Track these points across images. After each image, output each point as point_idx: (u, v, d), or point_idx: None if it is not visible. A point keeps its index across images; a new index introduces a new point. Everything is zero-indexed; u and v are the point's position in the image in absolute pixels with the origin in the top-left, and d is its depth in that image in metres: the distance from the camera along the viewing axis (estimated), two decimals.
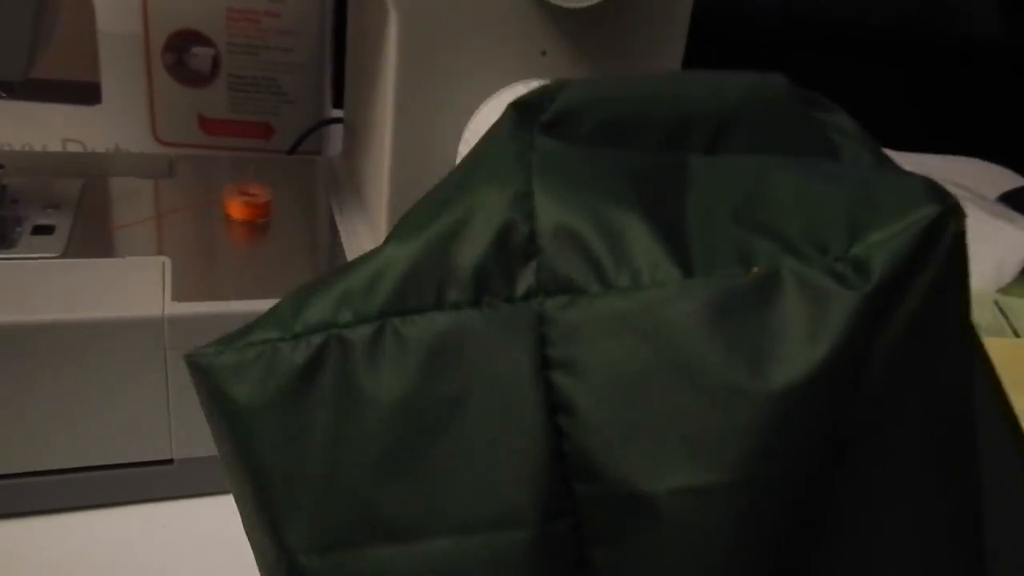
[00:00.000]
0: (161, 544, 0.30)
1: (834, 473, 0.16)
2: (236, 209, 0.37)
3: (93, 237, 0.34)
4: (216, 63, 0.49)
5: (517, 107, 0.20)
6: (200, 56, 0.49)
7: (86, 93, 0.49)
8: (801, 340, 0.16)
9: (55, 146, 0.49)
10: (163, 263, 0.32)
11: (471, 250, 0.18)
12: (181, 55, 0.48)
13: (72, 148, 0.50)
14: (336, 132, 0.53)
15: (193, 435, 0.32)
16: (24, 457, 0.30)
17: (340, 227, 0.39)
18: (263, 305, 0.31)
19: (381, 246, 0.19)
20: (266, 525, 0.19)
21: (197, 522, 0.32)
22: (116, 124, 0.49)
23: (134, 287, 0.31)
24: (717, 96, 0.20)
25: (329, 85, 0.52)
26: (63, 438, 0.30)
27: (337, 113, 0.52)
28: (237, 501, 0.21)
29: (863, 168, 0.19)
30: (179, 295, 0.30)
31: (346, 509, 0.17)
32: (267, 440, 0.18)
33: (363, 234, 0.38)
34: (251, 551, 0.30)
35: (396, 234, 0.19)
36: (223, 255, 0.35)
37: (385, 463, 0.17)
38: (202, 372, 0.20)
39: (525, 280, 0.17)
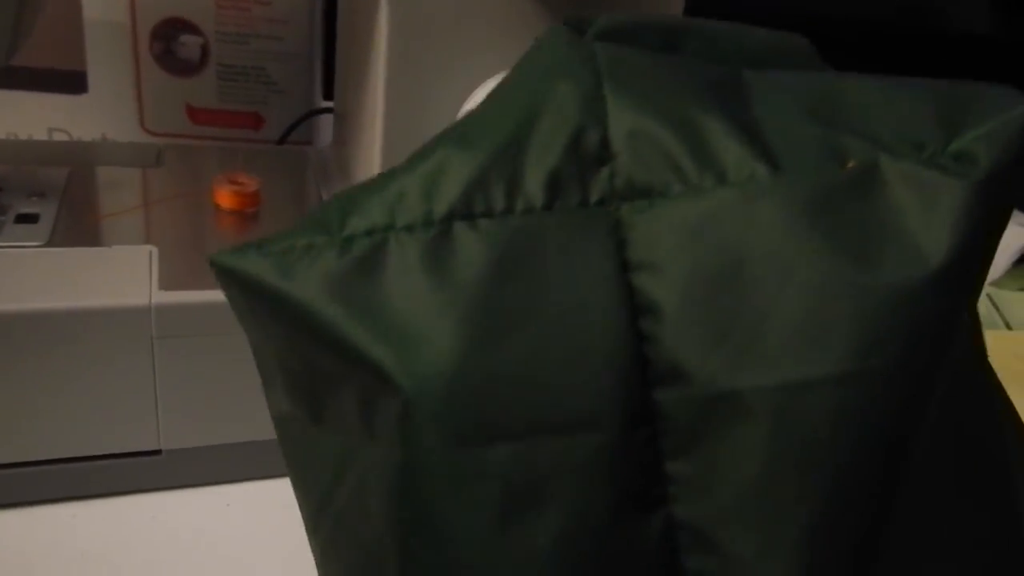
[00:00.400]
0: (149, 536, 0.30)
1: (935, 374, 0.15)
2: (225, 198, 0.36)
3: (78, 226, 0.34)
4: (205, 52, 0.48)
5: (566, 23, 0.19)
6: (188, 45, 0.48)
7: (72, 82, 0.48)
8: (912, 232, 0.15)
9: (40, 136, 0.49)
10: (150, 252, 0.32)
11: (542, 155, 0.17)
12: (169, 44, 0.48)
13: (58, 138, 0.49)
14: (326, 122, 0.53)
15: (181, 425, 0.31)
16: (9, 448, 0.29)
17: None
18: None
19: (430, 148, 0.18)
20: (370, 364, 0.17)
21: (185, 513, 0.31)
22: (103, 114, 0.49)
23: (120, 276, 0.30)
24: (742, 41, 0.20)
25: (319, 75, 0.52)
26: (49, 428, 0.30)
27: (327, 105, 0.52)
28: (286, 414, 0.20)
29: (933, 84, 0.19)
30: (166, 284, 0.30)
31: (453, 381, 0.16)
32: (328, 330, 0.17)
33: None
34: (238, 543, 0.30)
35: (452, 138, 0.18)
36: (211, 244, 0.34)
37: None
38: (241, 275, 0.18)
39: (599, 186, 0.17)
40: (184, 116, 0.50)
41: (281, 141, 0.51)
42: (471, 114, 0.19)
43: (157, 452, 0.31)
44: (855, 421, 0.15)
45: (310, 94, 0.52)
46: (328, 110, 0.51)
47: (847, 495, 0.15)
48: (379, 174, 0.19)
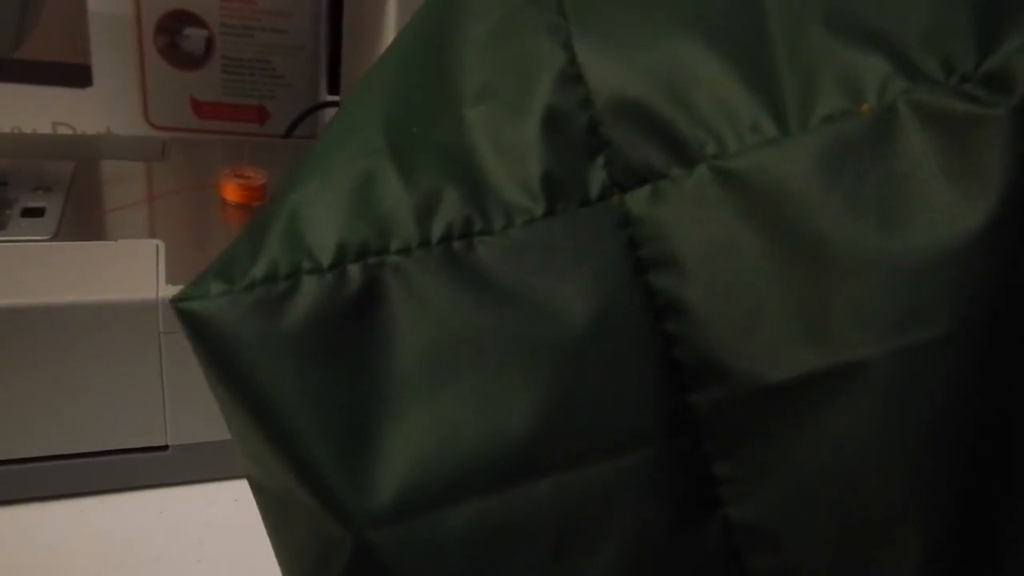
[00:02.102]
0: (156, 531, 0.30)
1: (1003, 340, 0.13)
2: (231, 192, 0.36)
3: (85, 220, 0.33)
4: (209, 45, 0.48)
5: None
6: (193, 38, 0.48)
7: (77, 75, 0.48)
8: (943, 185, 0.13)
9: (45, 130, 0.49)
10: (157, 246, 0.32)
11: (527, 157, 0.15)
12: (173, 37, 0.47)
13: (62, 132, 0.49)
14: (331, 116, 0.52)
15: (188, 421, 0.31)
16: (16, 443, 0.29)
17: None
18: None
19: (358, 168, 0.15)
20: (319, 497, 0.15)
21: (192, 509, 0.31)
22: (107, 108, 0.49)
23: (127, 270, 0.30)
24: None
25: (324, 69, 0.52)
26: (55, 424, 0.29)
27: (332, 99, 0.52)
28: (261, 483, 0.18)
29: None
30: (174, 278, 0.30)
31: (440, 456, 0.14)
32: (311, 389, 0.14)
33: None
34: (246, 538, 0.30)
35: (401, 158, 0.15)
36: (218, 238, 0.34)
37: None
38: (199, 321, 0.16)
39: (596, 178, 0.15)
40: (189, 110, 0.49)
41: (286, 135, 0.50)
42: (389, 108, 0.16)
43: (164, 448, 0.31)
44: (906, 404, 0.13)
45: (316, 88, 0.51)
46: (334, 104, 0.51)
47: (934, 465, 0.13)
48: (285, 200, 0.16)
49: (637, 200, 0.15)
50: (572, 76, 0.15)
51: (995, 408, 0.14)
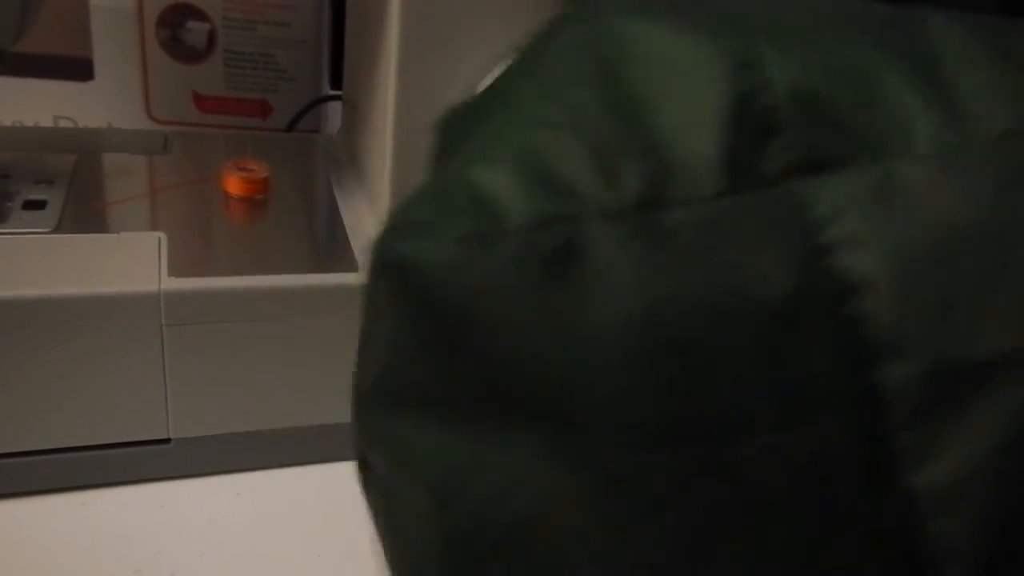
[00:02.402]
0: (158, 525, 0.30)
1: None
2: (234, 185, 0.36)
3: (86, 212, 0.33)
4: (212, 38, 0.48)
5: None
6: (195, 31, 0.48)
7: (78, 69, 0.48)
8: None
9: (46, 124, 0.48)
10: (159, 239, 0.32)
11: (710, 133, 0.15)
12: (175, 30, 0.47)
13: (64, 126, 0.49)
14: (334, 110, 0.52)
15: (191, 414, 0.31)
16: (17, 436, 0.29)
17: (340, 204, 0.38)
18: (262, 281, 0.30)
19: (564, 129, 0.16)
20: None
21: (194, 502, 0.31)
22: (109, 101, 0.48)
23: (129, 262, 0.30)
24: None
25: (327, 62, 0.51)
26: (57, 417, 0.29)
27: (336, 92, 0.52)
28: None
29: None
30: (176, 271, 0.30)
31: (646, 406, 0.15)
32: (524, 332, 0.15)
33: (364, 211, 0.37)
34: (249, 532, 0.30)
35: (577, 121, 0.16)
36: (220, 231, 0.34)
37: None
38: (409, 270, 0.16)
39: (774, 160, 0.15)
40: (191, 104, 0.49)
41: (289, 129, 0.50)
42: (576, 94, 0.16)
43: (166, 441, 0.31)
44: None
45: (318, 81, 0.51)
46: (336, 98, 0.51)
47: None
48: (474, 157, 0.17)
49: (812, 186, 0.15)
50: (751, 63, 0.16)
51: None
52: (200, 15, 0.47)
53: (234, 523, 0.30)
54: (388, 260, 0.16)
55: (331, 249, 0.34)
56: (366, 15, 0.37)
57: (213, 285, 0.29)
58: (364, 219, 0.36)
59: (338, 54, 0.50)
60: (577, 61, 0.17)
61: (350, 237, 0.35)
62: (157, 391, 0.30)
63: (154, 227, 0.33)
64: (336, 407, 0.33)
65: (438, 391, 0.17)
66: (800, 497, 0.15)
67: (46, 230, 0.31)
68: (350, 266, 0.32)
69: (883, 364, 0.15)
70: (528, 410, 0.16)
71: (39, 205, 0.33)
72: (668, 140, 0.16)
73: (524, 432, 0.16)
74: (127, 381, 0.29)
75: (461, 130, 0.18)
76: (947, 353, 0.14)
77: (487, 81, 0.32)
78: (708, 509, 0.15)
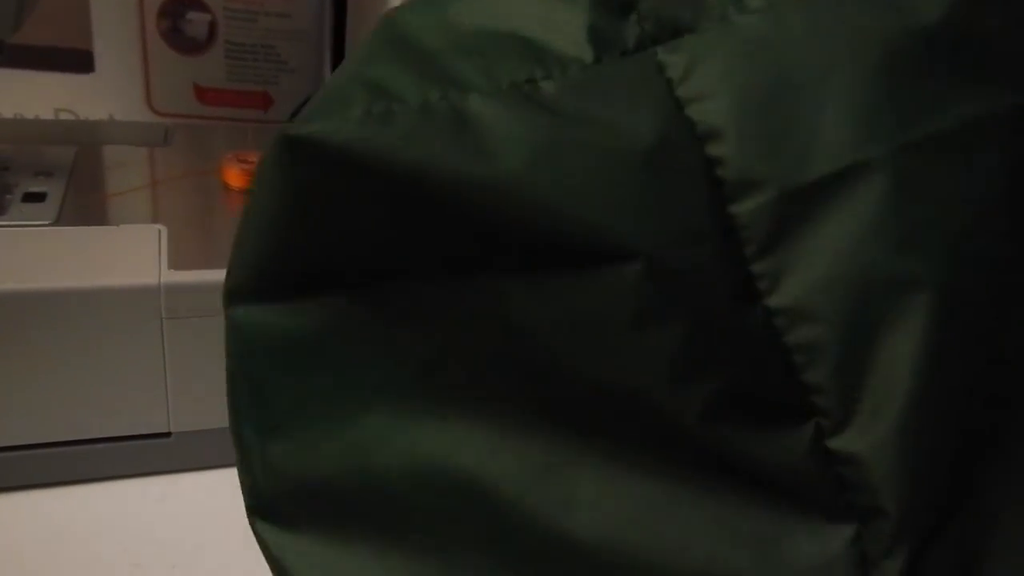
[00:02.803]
0: (158, 518, 0.30)
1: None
2: (234, 177, 0.36)
3: (86, 205, 0.33)
4: (213, 29, 0.48)
5: None
6: (196, 22, 0.47)
7: (78, 61, 0.47)
8: None
9: (46, 116, 0.48)
10: (159, 231, 0.31)
11: (571, 15, 0.18)
12: (176, 21, 0.47)
13: (64, 118, 0.48)
14: None
15: (191, 408, 0.31)
16: (17, 430, 0.29)
17: None
18: None
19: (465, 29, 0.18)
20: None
21: (195, 496, 0.31)
22: (109, 94, 0.48)
23: (129, 255, 0.30)
24: None
25: (329, 54, 0.51)
26: (57, 410, 0.29)
27: None
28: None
29: None
30: (176, 263, 0.29)
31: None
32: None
33: None
34: (246, 525, 0.30)
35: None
36: (221, 223, 0.34)
37: None
38: (330, 148, 0.17)
39: (632, 32, 0.18)
40: (191, 96, 0.49)
41: (291, 120, 0.50)
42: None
43: (167, 435, 0.31)
44: (914, 189, 0.16)
45: (320, 73, 0.51)
46: None
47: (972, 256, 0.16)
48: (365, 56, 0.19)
49: (668, 51, 0.18)
50: None
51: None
52: (201, 6, 0.47)
53: (234, 517, 0.30)
54: (290, 140, 0.18)
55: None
56: (368, 6, 0.37)
57: (214, 278, 0.29)
58: None
59: (340, 46, 0.50)
60: None
61: None
62: (157, 384, 0.30)
63: (154, 219, 0.33)
64: None
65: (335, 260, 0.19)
66: (680, 311, 0.17)
67: (46, 222, 0.31)
68: None
69: (737, 199, 0.17)
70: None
71: (39, 197, 0.33)
72: (535, 36, 0.18)
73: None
74: (127, 374, 0.29)
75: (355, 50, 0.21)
76: (786, 180, 0.16)
77: None
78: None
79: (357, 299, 0.19)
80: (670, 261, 0.16)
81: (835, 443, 0.17)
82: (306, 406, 0.20)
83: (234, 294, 0.20)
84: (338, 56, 0.51)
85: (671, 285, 0.17)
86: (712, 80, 0.17)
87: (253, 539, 0.29)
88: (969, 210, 0.16)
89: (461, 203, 0.17)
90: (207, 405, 0.31)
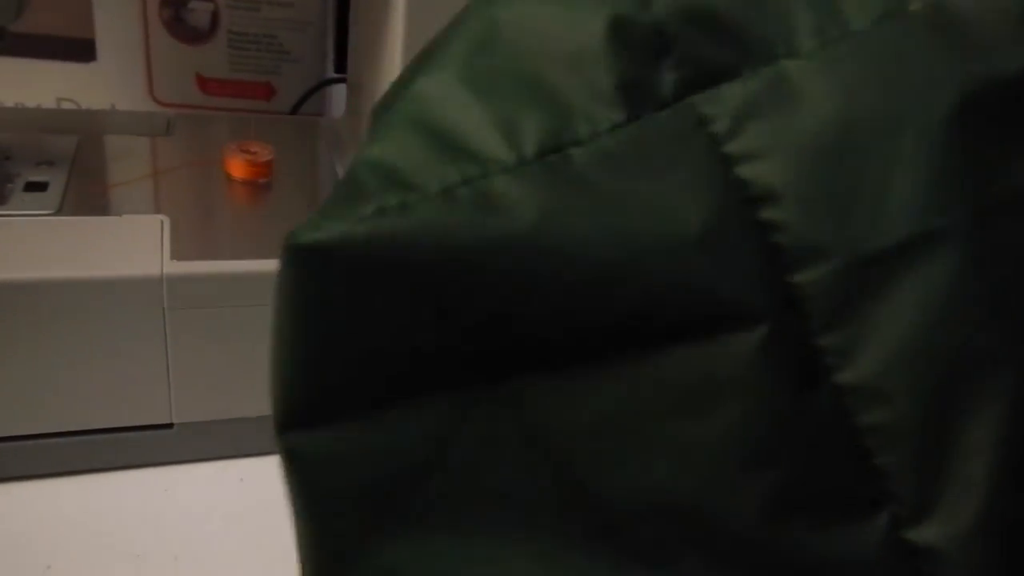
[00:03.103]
0: (160, 510, 0.30)
1: None
2: (237, 168, 0.36)
3: (88, 195, 0.33)
4: (215, 19, 0.47)
5: None
6: (198, 11, 0.47)
7: (80, 50, 0.47)
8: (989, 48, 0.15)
9: (48, 105, 0.48)
10: (161, 221, 0.31)
11: (598, 66, 0.16)
12: (178, 10, 0.47)
13: (66, 107, 0.48)
14: (338, 93, 0.52)
15: (194, 399, 0.31)
16: (20, 420, 0.29)
17: None
18: (266, 266, 0.30)
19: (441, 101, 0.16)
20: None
21: (197, 488, 0.31)
22: (111, 83, 0.48)
23: (131, 245, 0.29)
24: None
25: (332, 44, 0.51)
26: (59, 401, 0.29)
27: (340, 75, 0.51)
28: None
29: None
30: (178, 254, 0.29)
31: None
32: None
33: None
34: (251, 518, 0.30)
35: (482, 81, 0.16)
36: (223, 214, 0.34)
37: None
38: (345, 251, 0.16)
39: (667, 80, 0.16)
40: (194, 86, 0.49)
41: (293, 112, 0.50)
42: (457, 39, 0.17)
43: (169, 426, 0.31)
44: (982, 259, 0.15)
45: (322, 64, 0.51)
46: (341, 80, 0.50)
47: None
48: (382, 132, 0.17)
49: (709, 100, 0.16)
50: None
51: None
52: None
53: (237, 508, 0.30)
54: (300, 251, 0.16)
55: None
56: None
57: (216, 269, 0.29)
58: None
59: (343, 36, 0.49)
60: (458, 35, 0.17)
61: None
62: (160, 376, 0.30)
63: (156, 210, 0.32)
64: None
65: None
66: (735, 397, 0.15)
67: (48, 212, 0.31)
68: None
69: (799, 267, 0.15)
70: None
71: (41, 187, 0.33)
72: (559, 83, 0.16)
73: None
74: (129, 366, 0.29)
75: (373, 124, 0.18)
76: (855, 248, 0.15)
77: None
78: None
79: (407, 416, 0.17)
80: (723, 341, 0.15)
81: (912, 534, 0.15)
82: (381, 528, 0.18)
83: (282, 424, 0.18)
84: (341, 46, 0.50)
85: (725, 366, 0.15)
86: (764, 136, 0.15)
87: (253, 530, 0.29)
88: None
89: (486, 294, 0.15)
90: (209, 396, 0.31)
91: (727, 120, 0.15)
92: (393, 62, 0.32)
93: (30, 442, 0.29)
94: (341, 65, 0.50)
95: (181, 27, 0.47)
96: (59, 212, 0.31)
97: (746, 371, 0.15)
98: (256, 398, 0.32)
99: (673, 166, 0.15)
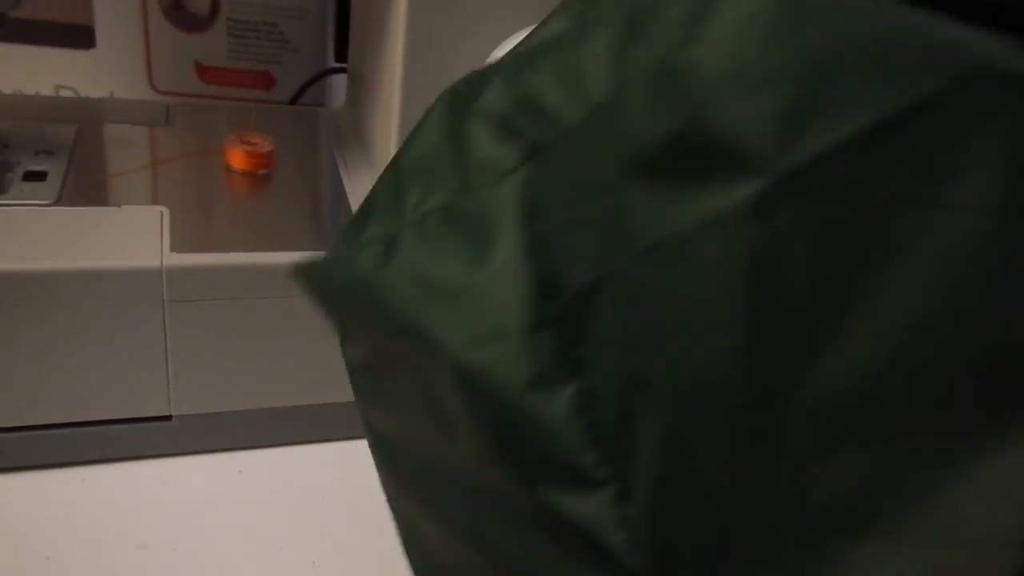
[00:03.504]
0: (159, 501, 0.30)
1: None
2: (237, 159, 0.35)
3: (88, 185, 0.33)
4: (215, 6, 0.47)
5: None
6: None
7: (79, 37, 0.47)
8: None
9: (47, 93, 0.48)
10: (161, 212, 0.31)
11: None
12: None
13: (64, 95, 0.48)
14: (339, 83, 0.51)
15: (193, 391, 0.31)
16: (18, 411, 0.29)
17: (345, 180, 0.37)
18: (266, 257, 0.30)
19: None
20: None
21: (196, 479, 0.31)
22: (110, 71, 0.48)
23: (131, 236, 0.29)
24: None
25: (332, 33, 0.50)
26: (58, 392, 0.29)
27: (341, 65, 0.51)
28: None
29: None
30: (178, 245, 0.29)
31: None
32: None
33: (369, 187, 0.36)
34: (249, 510, 0.30)
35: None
36: (223, 205, 0.33)
37: None
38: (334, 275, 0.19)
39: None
40: (193, 75, 0.48)
41: (294, 101, 0.49)
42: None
43: (168, 418, 0.31)
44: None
45: (323, 53, 0.50)
46: (341, 70, 0.50)
47: None
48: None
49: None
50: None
51: None
52: None
53: (235, 500, 0.30)
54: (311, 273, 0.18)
55: (335, 225, 0.33)
56: None
57: (216, 261, 0.29)
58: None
59: (343, 26, 0.49)
60: None
61: (354, 212, 0.34)
62: (158, 367, 0.30)
63: (156, 200, 0.32)
64: (337, 386, 0.32)
65: None
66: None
67: (47, 202, 0.31)
68: None
69: None
70: None
71: (40, 176, 0.32)
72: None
73: None
74: (128, 357, 0.29)
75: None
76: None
77: (496, 54, 0.32)
78: None
79: None
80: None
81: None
82: None
83: None
84: (342, 35, 0.50)
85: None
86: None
87: (252, 522, 0.29)
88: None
89: None
90: (208, 388, 0.31)
91: None
92: (395, 52, 0.32)
93: (29, 433, 0.29)
94: (342, 55, 0.50)
95: (181, 15, 0.47)
96: (58, 202, 0.31)
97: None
98: (255, 391, 0.31)
99: None
